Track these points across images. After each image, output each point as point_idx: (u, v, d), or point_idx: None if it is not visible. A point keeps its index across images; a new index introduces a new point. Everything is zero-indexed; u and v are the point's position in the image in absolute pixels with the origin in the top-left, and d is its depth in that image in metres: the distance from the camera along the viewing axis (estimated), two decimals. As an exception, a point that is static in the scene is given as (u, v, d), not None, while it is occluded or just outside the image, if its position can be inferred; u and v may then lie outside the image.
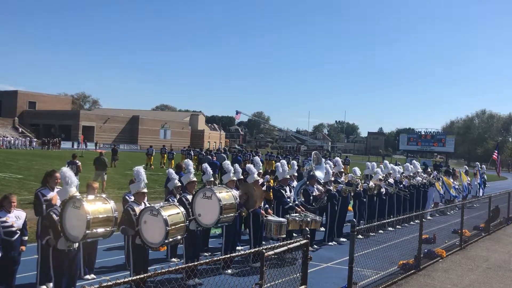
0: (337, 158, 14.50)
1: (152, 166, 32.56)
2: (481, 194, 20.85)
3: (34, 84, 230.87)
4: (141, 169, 7.23)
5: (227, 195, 7.69)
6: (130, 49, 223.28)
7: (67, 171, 5.99)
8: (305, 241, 5.69)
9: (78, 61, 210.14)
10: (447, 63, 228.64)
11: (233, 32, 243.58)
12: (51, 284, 6.47)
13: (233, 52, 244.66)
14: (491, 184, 31.65)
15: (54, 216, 5.85)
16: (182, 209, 6.92)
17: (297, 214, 9.86)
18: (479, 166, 23.16)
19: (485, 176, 23.68)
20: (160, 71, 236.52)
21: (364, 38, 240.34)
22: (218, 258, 4.95)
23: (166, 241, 6.44)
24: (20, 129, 71.21)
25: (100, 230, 5.56)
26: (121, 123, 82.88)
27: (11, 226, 6.49)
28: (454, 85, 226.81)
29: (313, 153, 12.53)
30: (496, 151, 32.55)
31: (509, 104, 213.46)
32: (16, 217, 6.61)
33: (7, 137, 59.06)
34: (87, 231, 5.36)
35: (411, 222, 14.05)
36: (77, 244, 5.86)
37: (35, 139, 64.74)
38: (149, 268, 7.26)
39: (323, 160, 12.57)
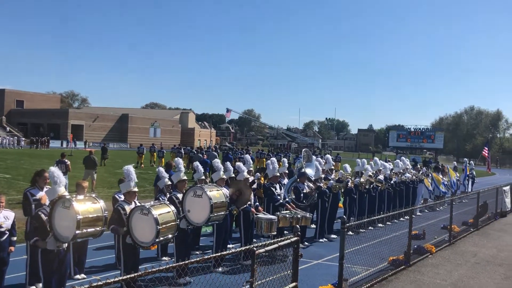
0: (328, 156, 14.58)
1: (142, 165, 32.42)
2: (469, 190, 21.06)
3: (22, 82, 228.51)
4: (131, 168, 7.21)
5: (218, 194, 7.70)
6: (119, 47, 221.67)
7: (55, 170, 5.94)
8: (295, 238, 5.71)
9: (66, 59, 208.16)
10: (436, 60, 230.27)
11: (223, 30, 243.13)
12: (40, 285, 6.43)
13: (223, 50, 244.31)
14: (480, 180, 31.99)
15: (43, 216, 5.81)
16: (172, 208, 6.91)
17: (287, 211, 9.90)
18: (468, 162, 23.39)
19: (474, 172, 23.91)
20: (149, 69, 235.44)
21: (353, 35, 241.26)
22: (209, 256, 4.95)
23: (157, 240, 6.43)
24: (7, 128, 70.50)
25: (90, 230, 5.54)
26: (110, 121, 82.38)
27: (0, 226, 6.43)
28: (443, 81, 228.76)
29: (303, 150, 12.57)
30: (486, 148, 32.84)
31: (497, 100, 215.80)
32: (5, 218, 6.54)
33: (-6, 137, 58.49)
34: (77, 231, 5.33)
35: (401, 218, 14.17)
36: (66, 244, 5.83)
37: (23, 138, 64.12)
38: (139, 267, 7.24)
39: (314, 157, 12.62)
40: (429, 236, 11.90)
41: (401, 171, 15.98)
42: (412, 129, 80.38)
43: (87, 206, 5.57)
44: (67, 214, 5.45)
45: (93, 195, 6.00)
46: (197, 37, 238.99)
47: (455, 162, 25.70)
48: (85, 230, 5.44)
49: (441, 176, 18.42)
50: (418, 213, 15.75)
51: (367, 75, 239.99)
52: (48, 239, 5.69)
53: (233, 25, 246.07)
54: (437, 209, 17.49)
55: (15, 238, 6.79)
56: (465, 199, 17.72)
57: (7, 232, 6.53)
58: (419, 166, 20.19)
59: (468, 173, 21.66)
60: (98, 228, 5.64)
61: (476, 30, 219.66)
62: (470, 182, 22.15)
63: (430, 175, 18.17)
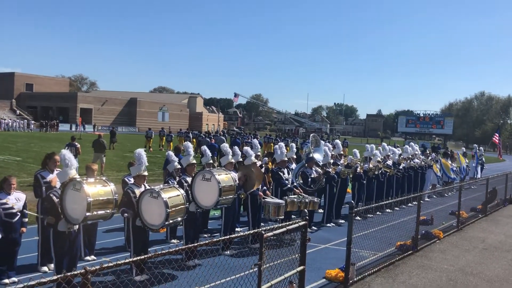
0: (337, 141, 14.51)
1: (151, 149, 32.57)
2: (478, 176, 20.95)
3: (31, 66, 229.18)
4: (142, 151, 7.25)
5: (226, 177, 7.73)
6: (128, 31, 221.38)
7: (67, 153, 5.98)
8: (303, 222, 5.73)
9: (75, 43, 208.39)
10: (447, 45, 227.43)
11: (231, 14, 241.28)
12: (52, 265, 6.54)
13: (231, 34, 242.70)
14: (489, 166, 31.79)
15: (54, 198, 5.87)
16: (182, 191, 6.96)
17: (295, 196, 9.92)
18: (477, 148, 23.21)
19: (483, 158, 23.75)
20: (158, 53, 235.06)
21: (363, 20, 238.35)
22: (218, 239, 4.99)
23: (166, 223, 6.50)
24: (17, 112, 70.90)
25: (101, 212, 5.60)
26: (119, 105, 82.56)
27: (11, 208, 6.52)
28: (453, 67, 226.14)
29: (311, 135, 12.54)
30: (496, 134, 32.53)
31: (508, 86, 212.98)
32: (16, 199, 6.63)
33: (5, 120, 58.89)
34: (88, 214, 5.39)
35: (409, 204, 14.15)
36: (77, 226, 5.90)
37: (32, 122, 64.53)
38: (149, 249, 7.33)
39: (322, 142, 12.59)
40: (437, 221, 11.89)
41: (410, 156, 15.91)
42: (421, 115, 79.80)
43: (97, 189, 5.62)
44: (78, 196, 5.50)
45: (104, 178, 6.04)
46: (206, 22, 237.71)
47: (463, 148, 25.51)
48: (95, 213, 5.50)
49: (450, 162, 18.31)
50: (427, 199, 15.72)
51: (377, 60, 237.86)
52: (60, 221, 5.76)
53: (241, 10, 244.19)
54: (446, 195, 17.43)
55: (26, 220, 6.88)
56: (474, 185, 17.65)
57: (18, 213, 6.62)
58: (428, 152, 20.06)
59: (478, 159, 21.53)
60: (108, 211, 5.70)
61: (487, 14, 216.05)
62: (479, 168, 22.02)
63: (439, 161, 18.07)
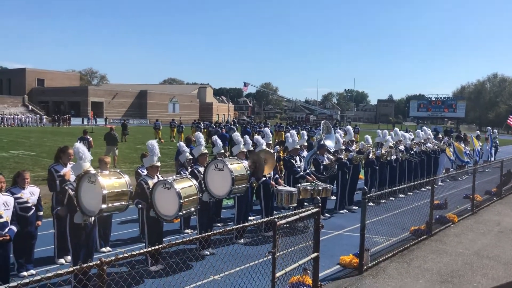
0: (349, 127, 14.43)
1: (162, 140, 32.72)
2: (492, 159, 20.72)
3: (41, 61, 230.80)
4: (155, 143, 7.30)
5: (239, 167, 7.73)
6: (137, 23, 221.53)
7: (80, 146, 6.02)
8: (316, 209, 5.72)
9: (84, 37, 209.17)
10: (457, 27, 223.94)
11: (240, 2, 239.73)
12: (69, 257, 6.63)
13: (240, 23, 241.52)
14: (503, 149, 31.40)
15: (69, 191, 5.93)
16: (194, 181, 6.98)
17: (308, 183, 9.90)
18: (491, 130, 22.92)
19: (497, 141, 23.46)
20: (167, 44, 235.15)
21: (372, 3, 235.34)
22: (231, 228, 5.01)
23: (180, 213, 6.53)
24: (30, 107, 71.59)
25: (116, 204, 5.63)
26: (129, 98, 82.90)
27: (26, 202, 6.61)
28: (465, 49, 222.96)
29: (322, 122, 12.47)
30: (511, 116, 32.05)
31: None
32: (31, 193, 6.71)
33: (18, 115, 59.54)
34: (103, 206, 5.43)
35: (422, 189, 14.03)
36: (93, 218, 5.96)
37: (45, 116, 65.15)
38: (163, 239, 7.39)
39: (333, 129, 12.52)
40: (451, 205, 11.81)
41: (422, 141, 15.77)
42: (433, 99, 78.90)
43: (112, 181, 5.66)
44: (93, 188, 5.54)
45: (118, 170, 6.08)
46: (213, 12, 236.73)
47: (478, 131, 25.21)
48: (110, 205, 5.54)
49: (463, 145, 18.12)
50: (440, 183, 15.61)
51: (387, 45, 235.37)
52: (75, 213, 5.82)
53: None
54: (459, 178, 17.29)
55: (41, 213, 6.97)
56: (488, 168, 17.45)
57: (33, 207, 6.70)
58: (440, 136, 19.86)
59: (492, 141, 21.28)
60: (123, 203, 5.74)
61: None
62: (493, 151, 21.77)
63: (452, 144, 17.89)
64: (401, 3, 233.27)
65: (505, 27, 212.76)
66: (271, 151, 10.20)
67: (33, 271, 6.65)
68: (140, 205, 6.93)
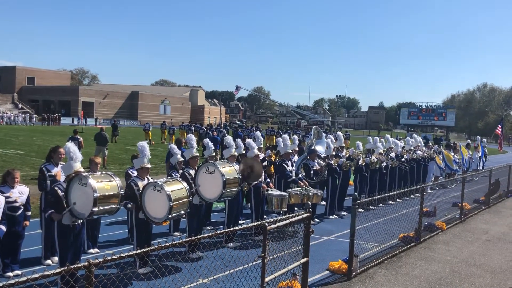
0: (339, 133, 14.47)
1: (153, 142, 32.56)
2: (481, 168, 20.90)
3: (32, 59, 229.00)
4: (145, 144, 7.25)
5: (230, 170, 7.72)
6: (129, 24, 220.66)
7: (72, 146, 5.96)
8: (306, 214, 5.72)
9: (76, 36, 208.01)
10: (449, 36, 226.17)
11: (233, 6, 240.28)
12: (55, 258, 6.55)
13: (233, 27, 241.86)
14: (492, 158, 31.70)
15: (59, 191, 5.86)
16: (185, 184, 6.95)
17: (298, 188, 9.90)
18: (480, 139, 23.14)
19: (486, 150, 23.66)
20: (159, 46, 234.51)
21: (364, 12, 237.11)
22: (221, 231, 4.98)
23: (169, 216, 6.49)
24: (19, 105, 70.94)
25: (107, 207, 5.59)
26: (120, 98, 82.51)
27: (15, 201, 6.52)
28: (456, 59, 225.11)
29: (313, 127, 12.50)
30: (499, 126, 32.31)
31: (510, 77, 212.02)
32: (20, 193, 6.63)
33: (7, 113, 58.93)
34: (94, 209, 5.37)
35: (412, 196, 14.12)
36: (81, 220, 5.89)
37: (35, 115, 64.56)
38: (152, 242, 7.33)
39: (324, 134, 12.56)
40: (440, 213, 11.87)
41: (412, 148, 15.88)
42: (423, 107, 79.34)
43: (103, 184, 5.61)
44: (84, 191, 5.49)
45: (109, 173, 6.03)
46: (206, 14, 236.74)
47: (469, 140, 25.42)
48: (101, 207, 5.49)
49: (452, 154, 18.27)
50: (429, 191, 15.71)
51: (379, 52, 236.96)
52: (64, 214, 5.75)
53: (242, 3, 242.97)
54: (448, 186, 17.41)
55: (29, 213, 6.89)
56: (476, 177, 17.61)
57: (22, 206, 6.61)
58: (430, 144, 20.01)
59: (482, 150, 21.48)
60: (113, 206, 5.69)
61: (489, 5, 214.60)
62: (484, 159, 21.97)
63: (441, 152, 18.03)
64: (392, 13, 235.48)
65: (496, 38, 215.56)
66: (262, 158, 10.19)
67: (19, 272, 6.55)
68: (129, 205, 6.85)
